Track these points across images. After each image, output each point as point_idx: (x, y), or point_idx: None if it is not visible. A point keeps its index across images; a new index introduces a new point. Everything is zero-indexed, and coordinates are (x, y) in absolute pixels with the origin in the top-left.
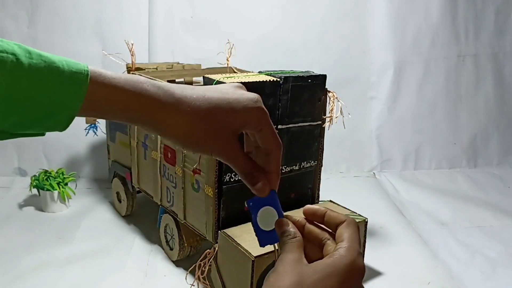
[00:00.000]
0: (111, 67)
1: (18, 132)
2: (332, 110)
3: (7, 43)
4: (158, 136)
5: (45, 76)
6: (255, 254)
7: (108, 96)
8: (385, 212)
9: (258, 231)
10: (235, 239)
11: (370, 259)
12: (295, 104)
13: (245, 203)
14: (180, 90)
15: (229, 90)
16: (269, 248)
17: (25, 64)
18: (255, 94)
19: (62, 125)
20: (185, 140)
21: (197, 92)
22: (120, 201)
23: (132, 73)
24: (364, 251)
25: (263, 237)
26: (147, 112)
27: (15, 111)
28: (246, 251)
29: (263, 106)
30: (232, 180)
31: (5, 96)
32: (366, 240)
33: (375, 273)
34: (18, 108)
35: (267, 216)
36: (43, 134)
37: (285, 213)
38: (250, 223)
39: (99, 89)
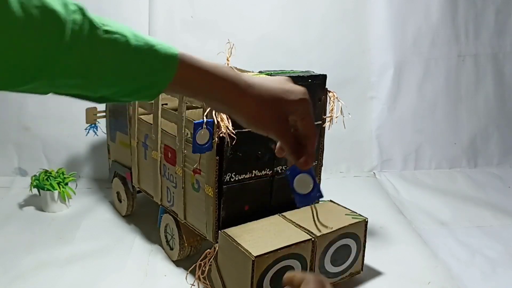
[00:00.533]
0: None
1: (116, 99)
2: (332, 110)
3: (121, 26)
4: (158, 136)
5: (145, 57)
6: (255, 254)
7: (193, 77)
8: (385, 212)
9: (295, 194)
10: (235, 239)
11: (370, 259)
12: None
13: (285, 171)
14: (248, 77)
15: (282, 81)
16: (269, 248)
17: (132, 46)
18: (303, 87)
19: (151, 98)
20: (251, 120)
21: (261, 81)
22: (120, 201)
23: None
24: (364, 251)
25: (300, 199)
26: (225, 93)
27: (118, 83)
28: (246, 251)
29: (309, 99)
30: (232, 180)
31: (113, 70)
32: (366, 240)
33: (375, 273)
34: (121, 81)
35: (302, 182)
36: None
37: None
38: (250, 223)
39: (187, 71)
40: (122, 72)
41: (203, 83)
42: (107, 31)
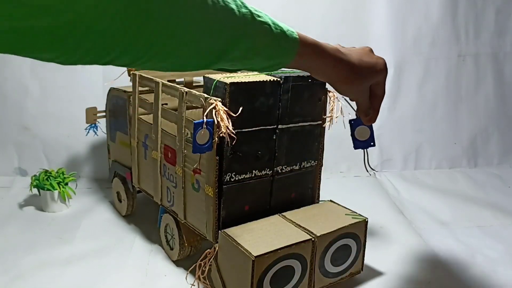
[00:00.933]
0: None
1: (248, 69)
2: (332, 110)
3: (264, 14)
4: (159, 136)
5: (280, 41)
6: (255, 254)
7: (306, 55)
8: (385, 212)
9: (354, 140)
10: (236, 239)
11: (370, 259)
12: (295, 104)
13: (349, 121)
14: (345, 52)
15: (371, 55)
16: (269, 248)
17: (273, 31)
18: (383, 59)
19: (276, 70)
20: (345, 88)
21: (357, 55)
22: (120, 201)
23: (133, 73)
24: (364, 251)
25: (358, 144)
26: (323, 69)
27: (256, 58)
28: (247, 250)
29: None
30: (232, 180)
31: (263, 51)
32: (366, 240)
33: (375, 273)
34: (262, 59)
35: (362, 131)
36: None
37: None
38: (250, 223)
39: (304, 51)
40: (266, 53)
41: (310, 60)
42: (261, 21)
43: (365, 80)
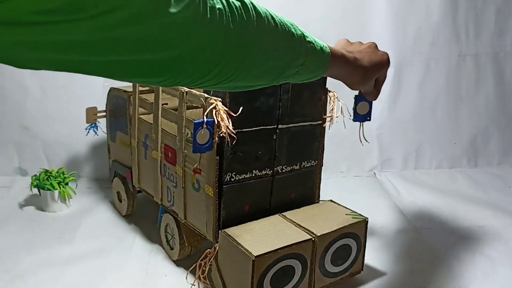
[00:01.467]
0: None
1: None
2: (332, 109)
3: (309, 35)
4: (159, 135)
5: (321, 55)
6: (255, 254)
7: (335, 66)
8: (385, 212)
9: (355, 114)
10: (236, 239)
11: (370, 258)
12: (295, 103)
13: (354, 96)
14: (361, 57)
15: (376, 52)
16: (269, 247)
17: (316, 48)
18: (386, 53)
19: (317, 79)
20: (357, 85)
21: (367, 58)
22: (120, 200)
23: None
24: (364, 250)
25: (357, 117)
26: (343, 76)
27: (304, 73)
28: (247, 250)
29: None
30: (232, 179)
31: (305, 65)
32: (367, 240)
33: (376, 273)
34: (306, 71)
35: (363, 106)
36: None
37: None
38: (250, 222)
39: (334, 63)
40: (312, 68)
41: (336, 70)
42: (309, 41)
43: (375, 76)
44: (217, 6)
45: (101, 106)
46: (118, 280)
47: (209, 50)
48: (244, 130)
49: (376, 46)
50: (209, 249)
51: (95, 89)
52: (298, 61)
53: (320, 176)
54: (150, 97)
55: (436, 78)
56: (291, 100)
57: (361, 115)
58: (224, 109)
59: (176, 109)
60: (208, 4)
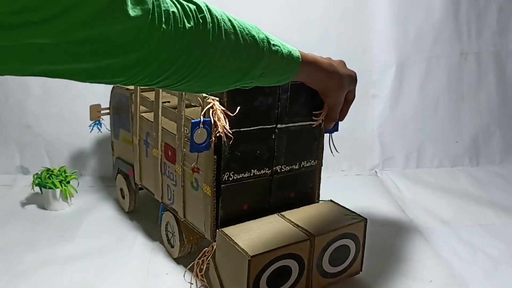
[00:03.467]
0: None
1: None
2: None
3: (274, 38)
4: (159, 134)
5: (289, 61)
6: (251, 254)
7: (306, 70)
8: (386, 210)
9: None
10: (232, 238)
11: (371, 257)
12: (294, 103)
13: (327, 132)
14: (329, 65)
15: (345, 67)
16: (266, 247)
17: (283, 51)
18: (354, 71)
19: (282, 84)
20: (334, 98)
21: (340, 68)
22: (123, 197)
23: None
24: (363, 251)
25: (326, 131)
26: (320, 80)
27: (270, 75)
28: (243, 250)
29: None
30: (230, 179)
31: (270, 67)
32: (367, 239)
33: (376, 272)
34: (272, 74)
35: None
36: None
37: None
38: (247, 222)
39: (305, 65)
40: (278, 70)
41: (310, 74)
42: (273, 44)
43: (347, 87)
44: (171, 10)
45: (103, 104)
46: (119, 278)
47: (166, 51)
48: (242, 129)
49: (345, 63)
50: (206, 248)
51: (96, 87)
52: (262, 63)
53: (320, 176)
54: (152, 95)
55: (438, 76)
56: (290, 100)
57: (329, 130)
58: (221, 109)
59: (176, 107)
60: (163, 8)
